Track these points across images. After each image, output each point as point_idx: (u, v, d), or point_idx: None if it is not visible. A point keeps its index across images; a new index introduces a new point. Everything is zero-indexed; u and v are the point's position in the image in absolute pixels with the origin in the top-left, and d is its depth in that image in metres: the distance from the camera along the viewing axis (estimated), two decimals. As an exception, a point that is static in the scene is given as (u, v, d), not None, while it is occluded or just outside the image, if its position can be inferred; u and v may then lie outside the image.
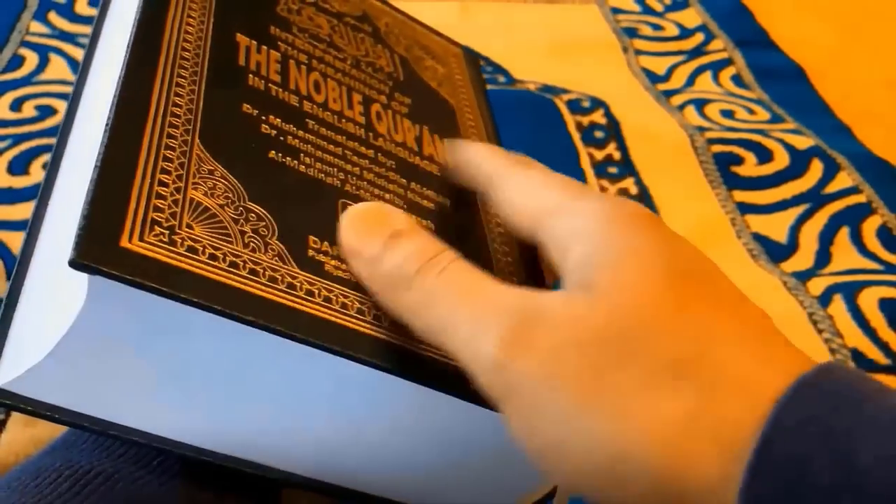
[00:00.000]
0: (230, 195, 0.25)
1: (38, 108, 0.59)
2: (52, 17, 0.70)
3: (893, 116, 0.69)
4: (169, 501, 0.26)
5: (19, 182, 0.53)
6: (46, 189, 0.29)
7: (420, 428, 0.27)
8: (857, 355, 0.48)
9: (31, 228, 0.27)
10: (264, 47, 0.32)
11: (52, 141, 0.57)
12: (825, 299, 0.51)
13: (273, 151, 0.28)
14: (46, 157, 0.55)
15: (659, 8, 0.82)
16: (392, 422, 0.26)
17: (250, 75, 0.30)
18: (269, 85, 0.30)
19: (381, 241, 0.25)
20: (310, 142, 0.29)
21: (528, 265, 0.31)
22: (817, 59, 0.75)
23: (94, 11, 0.71)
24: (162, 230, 0.22)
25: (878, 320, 0.50)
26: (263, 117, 0.29)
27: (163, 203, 0.23)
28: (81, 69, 0.33)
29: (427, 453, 0.27)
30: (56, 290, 0.23)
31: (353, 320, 0.24)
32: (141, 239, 0.22)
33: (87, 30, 0.68)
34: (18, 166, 0.54)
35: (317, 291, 0.24)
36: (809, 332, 0.49)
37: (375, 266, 0.24)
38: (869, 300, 0.51)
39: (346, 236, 0.25)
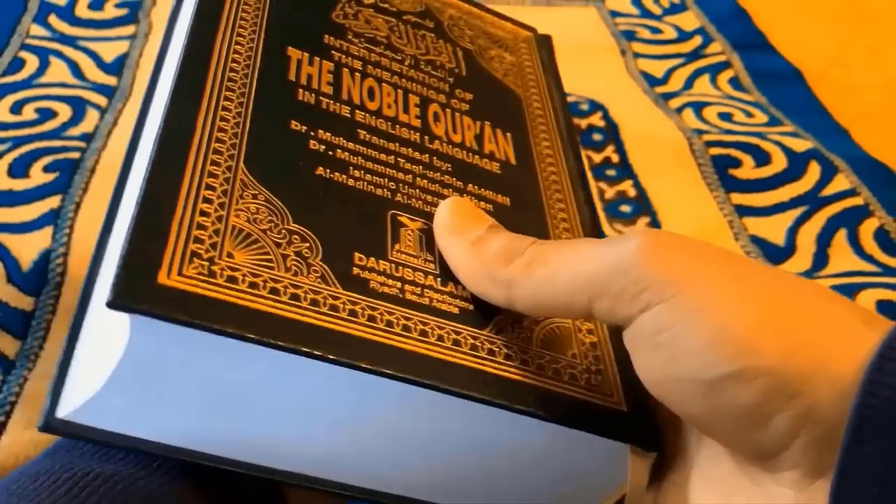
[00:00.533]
0: (273, 218, 0.25)
1: (37, 110, 0.59)
2: (53, 20, 0.70)
3: (891, 119, 0.69)
4: (169, 502, 0.26)
5: (19, 185, 0.53)
6: (110, 216, 0.29)
7: (457, 437, 0.26)
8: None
9: (95, 258, 0.28)
10: (317, 58, 0.32)
11: (52, 144, 0.57)
12: (822, 301, 0.51)
13: (321, 167, 0.28)
14: (47, 160, 0.55)
15: (657, 11, 0.82)
16: (444, 436, 0.26)
17: (300, 90, 0.30)
18: (320, 98, 0.30)
19: (484, 228, 0.27)
20: (360, 153, 0.29)
21: None
22: (815, 62, 0.76)
23: (94, 14, 0.71)
24: (201, 262, 0.23)
25: (875, 322, 0.50)
26: (312, 133, 0.29)
27: (203, 234, 0.23)
28: (148, 88, 0.34)
29: (468, 460, 0.27)
30: (109, 323, 0.24)
31: (397, 338, 0.24)
32: (180, 273, 0.22)
33: (88, 33, 0.69)
34: (18, 169, 0.54)
35: (360, 311, 0.24)
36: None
37: (481, 245, 0.26)
38: (866, 302, 0.51)
39: (447, 217, 0.27)
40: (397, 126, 0.31)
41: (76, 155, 0.56)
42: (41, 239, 0.49)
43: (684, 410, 0.23)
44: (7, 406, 0.41)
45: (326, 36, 0.33)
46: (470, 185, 0.31)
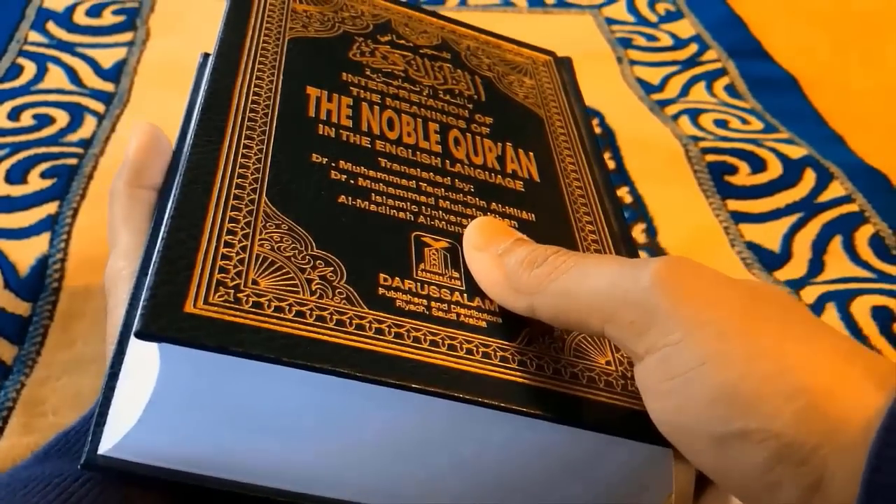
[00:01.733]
0: (297, 246, 0.26)
1: (35, 117, 0.59)
2: (51, 26, 0.70)
3: (886, 126, 0.70)
4: None
5: (17, 190, 0.53)
6: (149, 251, 0.29)
7: (467, 448, 0.26)
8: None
9: (133, 296, 0.28)
10: (335, 95, 0.33)
11: (50, 150, 0.57)
12: (818, 307, 0.51)
13: (343, 196, 0.29)
14: (44, 166, 0.55)
15: (653, 18, 0.83)
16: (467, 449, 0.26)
17: (320, 125, 0.31)
18: (340, 131, 0.31)
19: (510, 241, 0.27)
20: (381, 180, 0.30)
21: None
22: (810, 69, 0.76)
23: (91, 21, 0.71)
24: (226, 290, 0.23)
25: (870, 328, 0.50)
26: (333, 164, 0.30)
27: (228, 264, 0.24)
28: (178, 139, 0.34)
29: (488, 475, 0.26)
30: (143, 358, 0.24)
31: (424, 353, 0.24)
32: (206, 302, 0.23)
33: (86, 39, 0.69)
34: (16, 175, 0.54)
35: (386, 329, 0.25)
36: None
37: (505, 256, 0.26)
38: (861, 308, 0.51)
39: (474, 235, 0.28)
40: (418, 152, 0.32)
41: (74, 161, 0.56)
42: (39, 245, 0.49)
43: (696, 461, 0.23)
44: (4, 411, 0.41)
45: (344, 74, 0.34)
46: (493, 203, 0.31)
